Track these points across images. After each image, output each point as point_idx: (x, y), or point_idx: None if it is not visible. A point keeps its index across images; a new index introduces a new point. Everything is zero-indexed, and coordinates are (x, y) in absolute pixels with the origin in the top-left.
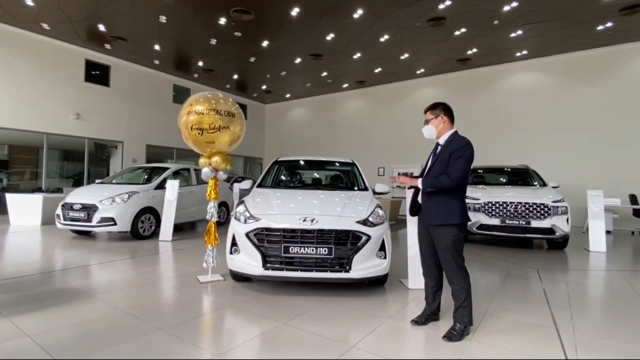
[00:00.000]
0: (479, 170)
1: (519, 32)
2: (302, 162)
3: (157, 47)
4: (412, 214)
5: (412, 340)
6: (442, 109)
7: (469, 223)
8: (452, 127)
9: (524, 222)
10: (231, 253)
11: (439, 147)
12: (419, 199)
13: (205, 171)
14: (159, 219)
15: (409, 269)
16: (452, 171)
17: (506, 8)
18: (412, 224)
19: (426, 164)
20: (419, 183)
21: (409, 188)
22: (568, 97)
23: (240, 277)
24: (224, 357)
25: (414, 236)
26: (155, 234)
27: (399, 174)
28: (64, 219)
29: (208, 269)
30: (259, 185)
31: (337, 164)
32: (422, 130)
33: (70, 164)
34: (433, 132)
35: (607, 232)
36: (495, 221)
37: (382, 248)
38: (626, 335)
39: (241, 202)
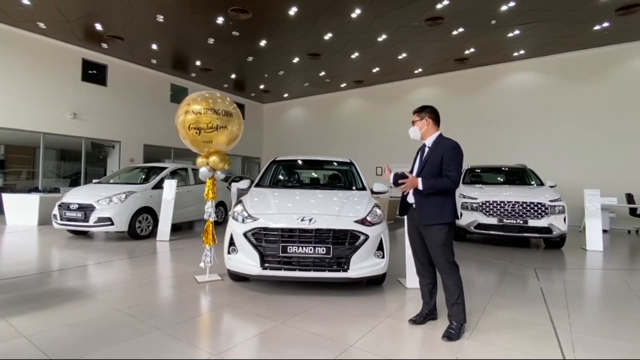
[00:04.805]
0: (476, 170)
1: (517, 31)
2: (300, 162)
3: (154, 46)
4: (402, 213)
5: (410, 340)
6: (428, 111)
7: (467, 222)
8: (438, 129)
9: (521, 221)
10: (229, 253)
11: (426, 149)
12: (409, 198)
13: (203, 171)
14: (157, 218)
15: (407, 268)
16: (451, 174)
17: (503, 8)
18: None
19: (413, 165)
20: (419, 184)
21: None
22: (565, 96)
23: (238, 277)
24: (222, 356)
25: None
26: (152, 234)
27: (396, 173)
28: (61, 219)
29: (206, 268)
30: (257, 185)
31: (335, 164)
32: (408, 131)
33: (67, 163)
34: (417, 133)
35: (604, 231)
36: (493, 220)
37: (380, 247)
38: (623, 334)
39: (239, 202)
